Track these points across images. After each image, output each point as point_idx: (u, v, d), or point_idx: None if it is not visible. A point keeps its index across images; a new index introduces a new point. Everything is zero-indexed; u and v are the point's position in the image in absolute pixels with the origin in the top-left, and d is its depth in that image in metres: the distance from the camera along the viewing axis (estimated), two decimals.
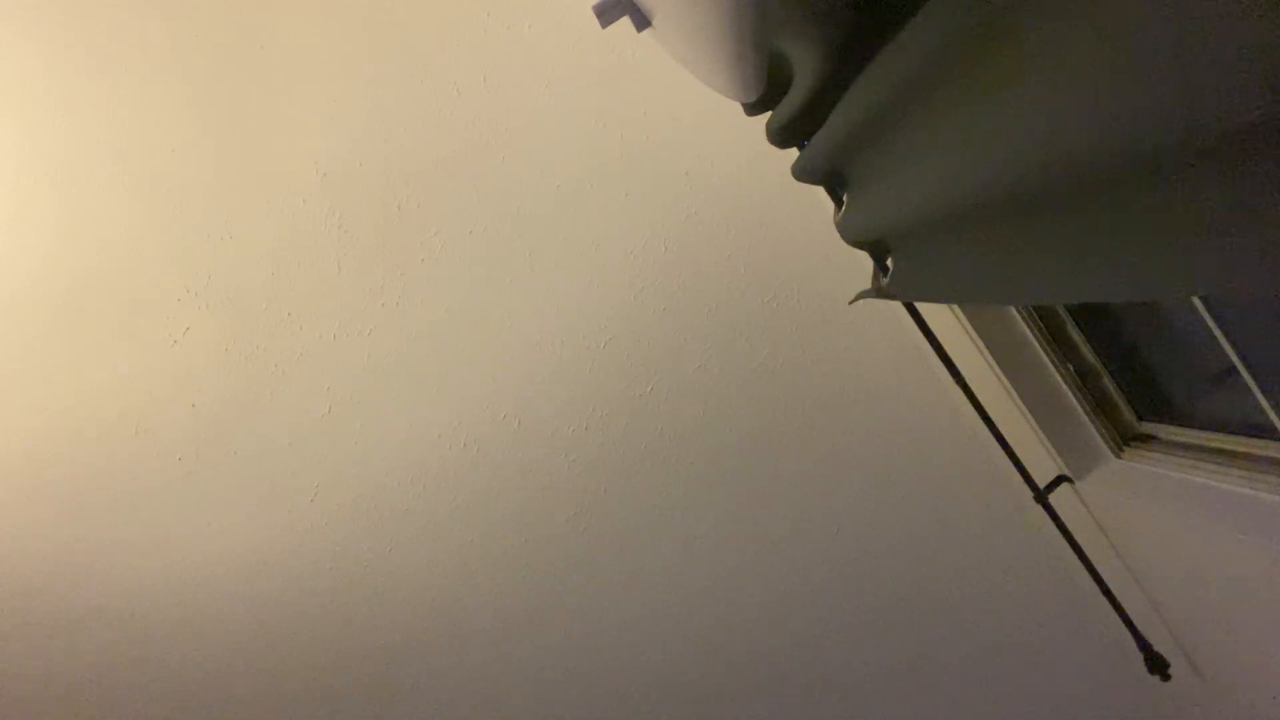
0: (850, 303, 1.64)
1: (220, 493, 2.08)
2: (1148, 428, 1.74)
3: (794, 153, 1.42)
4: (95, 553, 2.07)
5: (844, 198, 1.40)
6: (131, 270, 2.00)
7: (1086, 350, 1.78)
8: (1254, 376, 1.27)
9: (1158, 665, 1.77)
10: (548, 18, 2.03)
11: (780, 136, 1.31)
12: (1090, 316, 1.75)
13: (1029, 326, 1.79)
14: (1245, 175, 0.47)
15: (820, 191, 1.49)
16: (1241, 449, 1.41)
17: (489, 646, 2.17)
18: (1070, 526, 1.79)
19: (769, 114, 1.33)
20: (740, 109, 1.40)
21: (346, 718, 2.17)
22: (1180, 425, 1.62)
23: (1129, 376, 1.75)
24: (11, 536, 2.05)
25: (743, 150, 2.06)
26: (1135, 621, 1.78)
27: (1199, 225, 0.54)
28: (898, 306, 1.87)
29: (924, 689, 2.24)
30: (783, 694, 2.23)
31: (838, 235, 1.43)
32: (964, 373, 1.75)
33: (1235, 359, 1.28)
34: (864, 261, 1.49)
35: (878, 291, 1.40)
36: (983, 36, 0.68)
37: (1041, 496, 1.79)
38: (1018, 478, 1.81)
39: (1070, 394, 1.80)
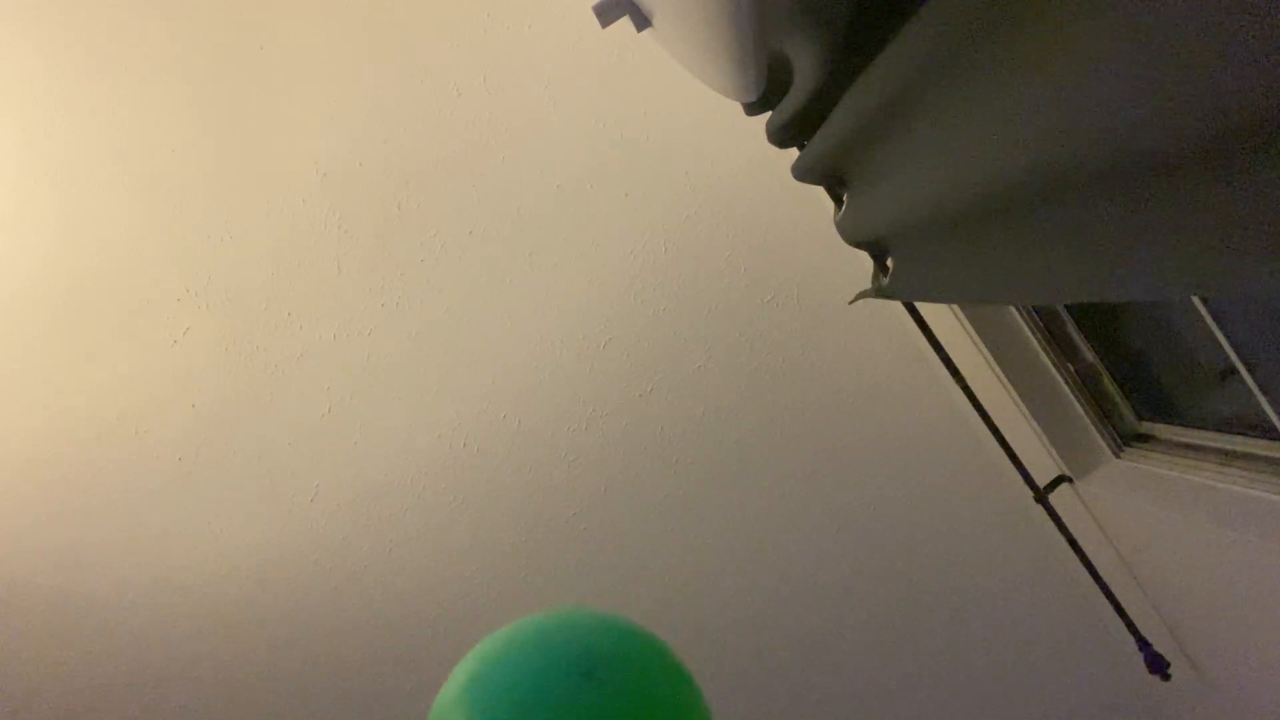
0: (850, 303, 1.64)
1: (220, 493, 2.08)
2: (1148, 428, 1.74)
3: (794, 153, 1.42)
4: (95, 553, 2.07)
5: (844, 198, 1.40)
6: (131, 270, 2.00)
7: (1086, 350, 1.78)
8: (1254, 376, 1.27)
9: (1158, 665, 1.77)
10: (548, 18, 2.03)
11: (780, 136, 1.31)
12: (1090, 316, 1.75)
13: (1029, 326, 1.79)
14: (1245, 175, 0.47)
15: (820, 191, 1.49)
16: (1241, 449, 1.41)
17: None
18: (1070, 526, 1.79)
19: (769, 114, 1.33)
20: (740, 109, 1.41)
21: (346, 718, 2.17)
22: (1180, 425, 1.62)
23: (1129, 376, 1.75)
24: (11, 536, 2.05)
25: (743, 150, 2.06)
26: (1135, 621, 1.78)
27: (1199, 225, 0.54)
28: (898, 306, 1.87)
29: (924, 689, 2.24)
30: (783, 693, 2.23)
31: (838, 235, 1.43)
32: (964, 373, 1.75)
33: (1235, 359, 1.28)
34: (864, 261, 1.49)
35: (878, 291, 1.40)
36: (982, 36, 0.68)
37: (1041, 496, 1.79)
38: (1018, 478, 1.81)
39: (1070, 394, 1.80)
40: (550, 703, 0.59)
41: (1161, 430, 1.68)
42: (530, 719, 0.59)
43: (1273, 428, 1.29)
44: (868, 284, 1.47)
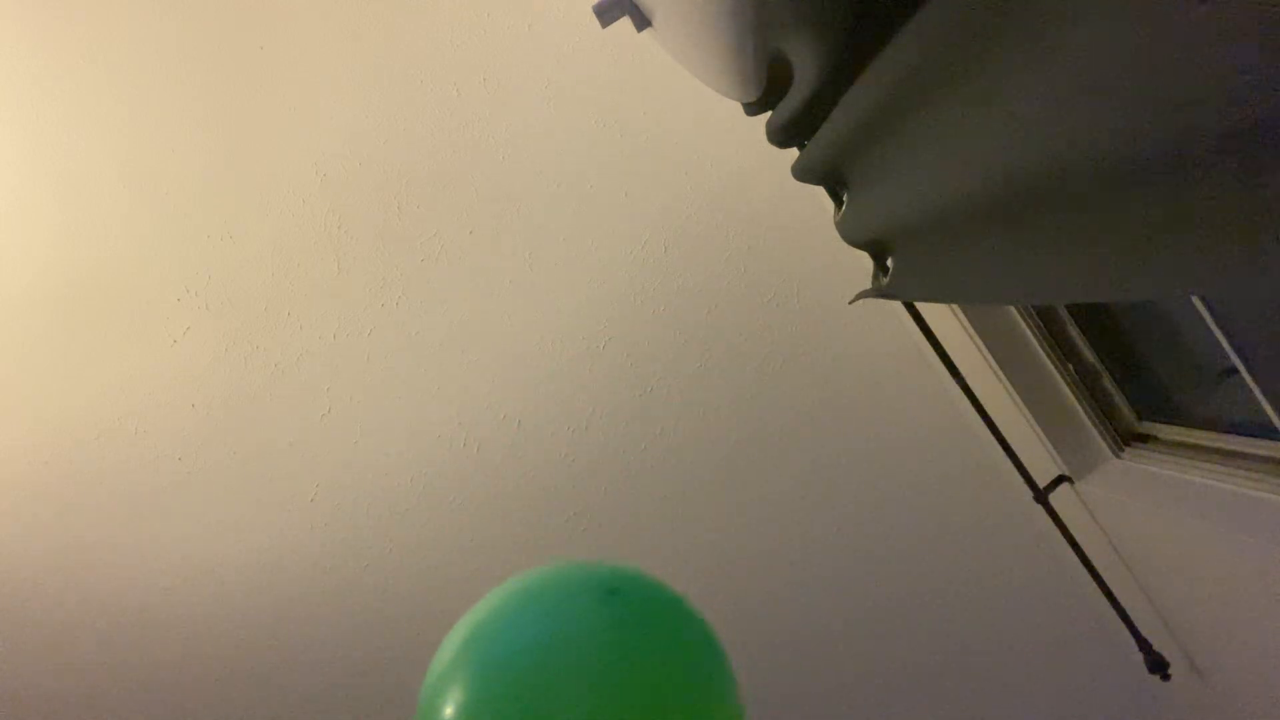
0: (850, 302, 1.64)
1: (220, 493, 2.08)
2: (1148, 428, 1.74)
3: (794, 153, 1.42)
4: (95, 552, 2.07)
5: (844, 198, 1.40)
6: (131, 270, 2.00)
7: (1086, 350, 1.78)
8: (1254, 376, 1.27)
9: (1158, 665, 1.77)
10: (548, 18, 2.03)
11: (780, 136, 1.31)
12: (1090, 316, 1.75)
13: (1029, 326, 1.79)
14: (1246, 175, 0.47)
15: (820, 191, 1.49)
16: (1241, 449, 1.41)
17: None
18: (1070, 526, 1.79)
19: (769, 114, 1.33)
20: (740, 109, 1.41)
21: (344, 717, 2.17)
22: (1180, 425, 1.62)
23: (1129, 376, 1.75)
24: (11, 537, 2.05)
25: (743, 150, 2.06)
26: (1135, 621, 1.78)
27: (1199, 225, 0.54)
28: (898, 306, 1.87)
29: (924, 689, 2.24)
30: (782, 693, 2.23)
31: (837, 235, 1.43)
32: (964, 373, 1.75)
33: (1235, 359, 1.28)
34: (864, 261, 1.49)
35: (878, 291, 1.40)
36: (983, 36, 0.68)
37: (1041, 496, 1.79)
38: (1018, 478, 1.81)
39: (1070, 394, 1.80)
40: (575, 616, 0.61)
41: (1161, 430, 1.68)
42: (556, 630, 0.61)
43: (1273, 428, 1.29)
44: (868, 284, 1.47)
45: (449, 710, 0.59)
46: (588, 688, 0.58)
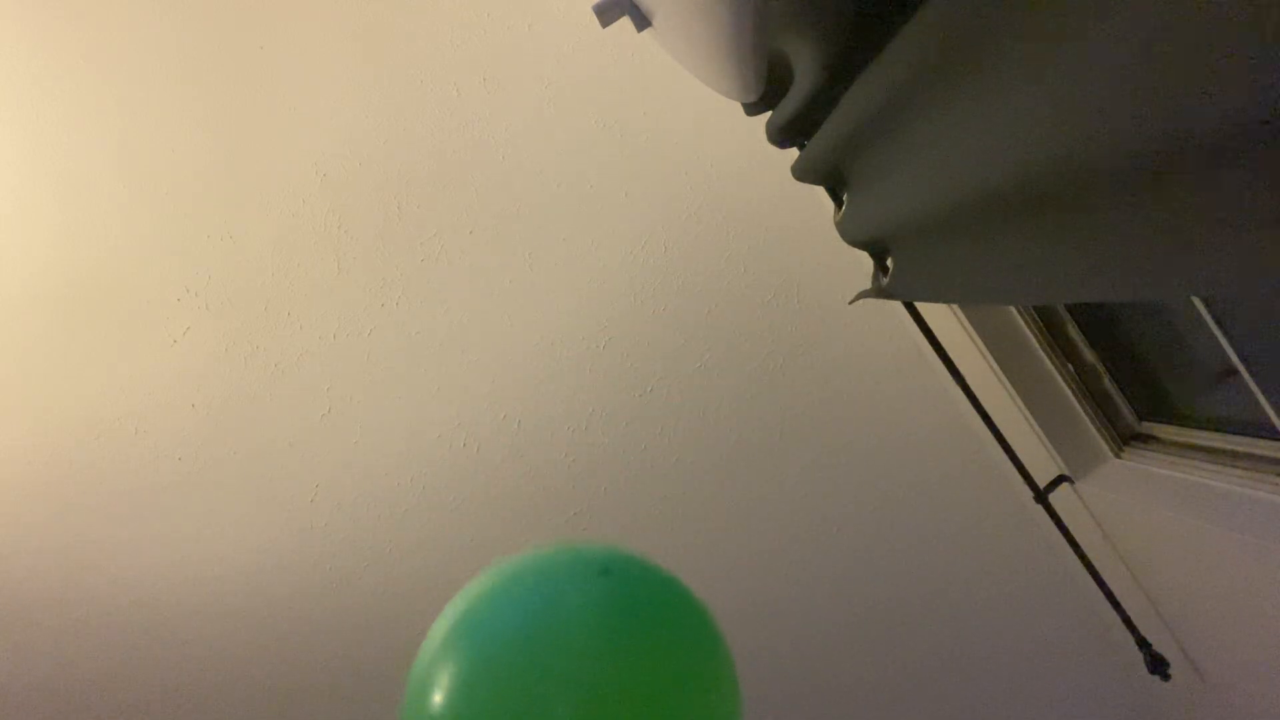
0: (850, 302, 1.64)
1: (220, 493, 2.08)
2: (1148, 428, 1.74)
3: (794, 153, 1.42)
4: (94, 553, 2.07)
5: (844, 198, 1.40)
6: (131, 270, 2.00)
7: (1086, 350, 1.78)
8: (1254, 376, 1.27)
9: (1158, 665, 1.77)
10: (548, 18, 2.03)
11: (780, 136, 1.31)
12: (1090, 316, 1.75)
13: (1029, 326, 1.79)
14: (1245, 175, 0.47)
15: (820, 191, 1.49)
16: (1241, 449, 1.41)
17: None
18: (1070, 526, 1.79)
19: (769, 114, 1.33)
20: (740, 109, 1.41)
21: (344, 718, 2.17)
22: (1180, 425, 1.62)
23: (1129, 376, 1.75)
24: (11, 537, 2.05)
25: (743, 150, 2.06)
26: (1135, 621, 1.78)
27: (1199, 225, 0.54)
28: (898, 306, 1.87)
29: (923, 689, 2.24)
30: (781, 694, 2.23)
31: (838, 235, 1.43)
32: (964, 373, 1.75)
33: (1235, 359, 1.28)
34: (864, 261, 1.49)
35: (878, 291, 1.40)
36: (982, 37, 0.68)
37: (1041, 496, 1.79)
38: (1018, 478, 1.81)
39: (1070, 394, 1.80)
40: (567, 595, 0.62)
41: (1161, 430, 1.68)
42: (548, 610, 0.61)
43: (1273, 428, 1.29)
44: (868, 284, 1.47)
45: (438, 693, 0.59)
46: (580, 667, 0.58)
